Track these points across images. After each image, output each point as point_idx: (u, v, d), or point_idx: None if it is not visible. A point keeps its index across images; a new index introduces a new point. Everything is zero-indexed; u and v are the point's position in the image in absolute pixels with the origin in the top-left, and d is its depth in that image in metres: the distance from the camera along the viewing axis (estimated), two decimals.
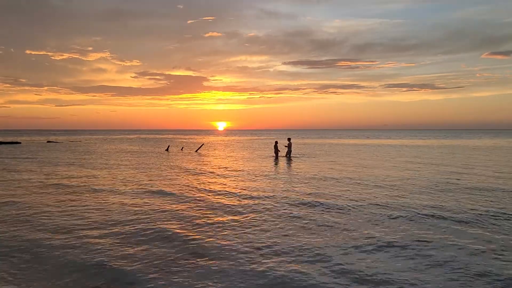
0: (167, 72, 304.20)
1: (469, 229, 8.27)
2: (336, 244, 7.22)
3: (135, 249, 7.03)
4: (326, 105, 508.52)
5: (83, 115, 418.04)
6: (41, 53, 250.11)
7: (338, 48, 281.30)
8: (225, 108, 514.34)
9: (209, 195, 12.55)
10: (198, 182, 15.79)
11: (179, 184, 15.06)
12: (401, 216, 9.37)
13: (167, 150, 40.38)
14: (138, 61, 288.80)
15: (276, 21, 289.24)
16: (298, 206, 10.61)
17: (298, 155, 30.45)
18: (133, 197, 12.35)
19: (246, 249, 6.99)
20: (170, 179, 16.69)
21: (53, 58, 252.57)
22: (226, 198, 12.01)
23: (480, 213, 9.72)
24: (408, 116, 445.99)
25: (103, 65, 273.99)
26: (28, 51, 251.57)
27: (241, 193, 12.76)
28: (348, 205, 10.65)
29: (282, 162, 24.95)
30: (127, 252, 6.83)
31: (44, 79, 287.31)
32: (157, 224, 8.71)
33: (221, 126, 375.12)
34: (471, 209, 10.13)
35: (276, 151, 29.01)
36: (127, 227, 8.54)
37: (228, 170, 20.07)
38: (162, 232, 8.06)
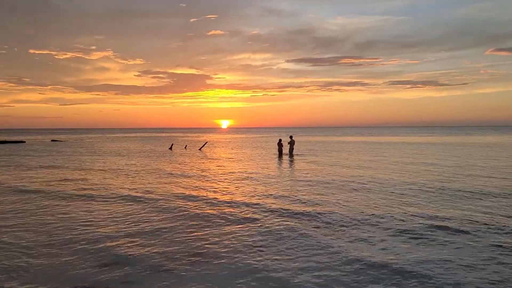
0: (170, 71, 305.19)
1: (474, 244, 7.17)
2: (319, 269, 6.14)
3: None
4: (330, 103, 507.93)
5: (87, 114, 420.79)
6: (45, 52, 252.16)
7: (341, 45, 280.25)
8: (228, 106, 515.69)
9: (194, 203, 11.53)
10: (188, 186, 14.80)
11: (165, 189, 14.09)
12: (399, 230, 8.12)
13: (170, 148, 40.30)
14: (141, 59, 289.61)
15: (279, 19, 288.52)
16: (288, 217, 9.36)
17: (299, 153, 30.12)
18: (108, 205, 11.40)
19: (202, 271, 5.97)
20: (160, 182, 15.83)
21: (56, 57, 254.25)
22: (210, 207, 10.93)
23: (483, 223, 8.63)
24: (412, 113, 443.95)
25: (106, 64, 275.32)
26: (31, 51, 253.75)
27: (228, 200, 11.53)
28: (342, 215, 9.42)
29: (285, 162, 24.29)
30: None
31: (48, 78, 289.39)
32: (108, 243, 7.45)
33: (224, 124, 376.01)
34: (475, 220, 8.99)
35: (280, 148, 29.08)
36: (75, 247, 7.48)
37: (226, 171, 19.23)
38: (108, 255, 6.89)
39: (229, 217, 9.59)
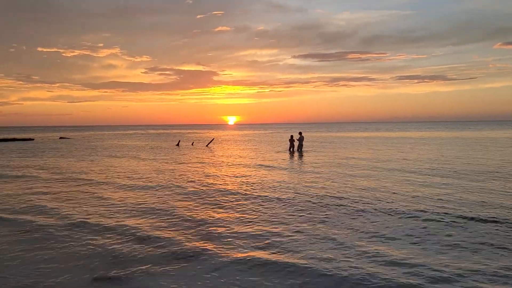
0: (177, 67, 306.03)
1: None
2: None
3: None
4: (337, 98, 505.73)
5: (95, 111, 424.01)
6: (52, 50, 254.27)
7: (347, 40, 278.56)
8: (235, 102, 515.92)
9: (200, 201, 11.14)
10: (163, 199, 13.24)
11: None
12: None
13: (177, 145, 40.24)
14: (148, 56, 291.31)
15: (285, 15, 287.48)
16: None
17: (307, 149, 29.84)
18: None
19: None
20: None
21: (64, 55, 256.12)
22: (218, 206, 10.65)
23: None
24: (420, 108, 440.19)
25: (114, 61, 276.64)
26: (39, 49, 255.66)
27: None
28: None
29: (293, 170, 24.05)
30: None
31: (56, 76, 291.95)
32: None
33: (231, 120, 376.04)
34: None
35: (292, 144, 28.94)
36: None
37: (220, 175, 18.33)
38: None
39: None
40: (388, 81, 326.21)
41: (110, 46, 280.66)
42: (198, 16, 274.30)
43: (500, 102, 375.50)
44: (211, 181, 14.77)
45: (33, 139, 57.03)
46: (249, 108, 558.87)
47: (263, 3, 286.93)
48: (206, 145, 38.96)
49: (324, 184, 13.36)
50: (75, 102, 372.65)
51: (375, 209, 9.54)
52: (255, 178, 15.21)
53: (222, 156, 26.40)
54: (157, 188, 13.28)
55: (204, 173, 17.23)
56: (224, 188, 12.92)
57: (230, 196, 11.62)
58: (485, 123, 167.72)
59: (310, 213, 9.27)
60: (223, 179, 15.26)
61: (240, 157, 25.26)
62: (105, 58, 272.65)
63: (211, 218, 8.93)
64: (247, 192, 12.12)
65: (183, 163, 21.74)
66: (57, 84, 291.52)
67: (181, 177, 15.95)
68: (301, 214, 9.19)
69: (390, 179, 14.32)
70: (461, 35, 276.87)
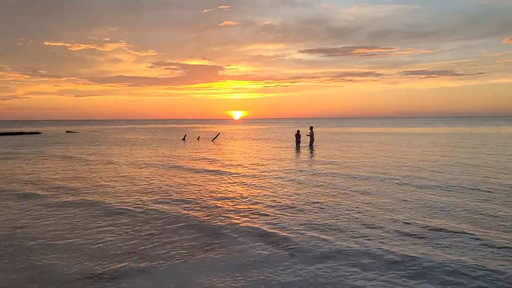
0: (182, 62, 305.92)
1: None
2: None
3: None
4: (343, 93, 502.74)
5: (101, 105, 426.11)
6: (59, 44, 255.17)
7: (354, 35, 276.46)
8: (240, 97, 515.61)
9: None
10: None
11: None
12: None
13: (183, 139, 40.23)
14: (154, 51, 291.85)
15: (292, 9, 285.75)
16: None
17: (315, 144, 29.59)
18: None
19: None
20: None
21: (70, 49, 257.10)
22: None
23: None
24: (427, 103, 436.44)
25: (120, 56, 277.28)
26: (46, 43, 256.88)
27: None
28: None
29: (303, 159, 24.07)
30: None
31: (63, 70, 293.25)
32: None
33: (237, 115, 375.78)
34: None
35: (298, 140, 28.03)
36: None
37: (220, 179, 17.81)
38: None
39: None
40: (395, 76, 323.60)
41: (116, 41, 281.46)
42: (204, 11, 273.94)
43: (508, 98, 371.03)
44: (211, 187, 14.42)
45: (40, 133, 57.35)
46: (255, 103, 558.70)
47: None
48: (212, 140, 38.88)
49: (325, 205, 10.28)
50: (82, 96, 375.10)
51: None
52: (254, 188, 14.42)
53: (227, 152, 26.27)
54: (157, 189, 13.15)
55: (206, 176, 17.06)
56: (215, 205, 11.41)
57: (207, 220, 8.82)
58: (493, 119, 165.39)
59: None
60: (222, 186, 14.59)
61: (245, 156, 25.04)
62: (112, 52, 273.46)
63: (208, 224, 8.29)
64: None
65: (187, 168, 21.65)
66: (64, 78, 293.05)
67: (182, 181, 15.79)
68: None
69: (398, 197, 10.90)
70: (470, 30, 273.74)
